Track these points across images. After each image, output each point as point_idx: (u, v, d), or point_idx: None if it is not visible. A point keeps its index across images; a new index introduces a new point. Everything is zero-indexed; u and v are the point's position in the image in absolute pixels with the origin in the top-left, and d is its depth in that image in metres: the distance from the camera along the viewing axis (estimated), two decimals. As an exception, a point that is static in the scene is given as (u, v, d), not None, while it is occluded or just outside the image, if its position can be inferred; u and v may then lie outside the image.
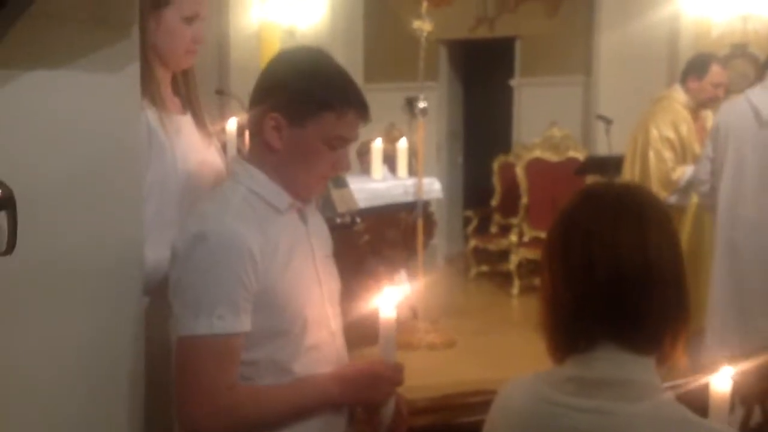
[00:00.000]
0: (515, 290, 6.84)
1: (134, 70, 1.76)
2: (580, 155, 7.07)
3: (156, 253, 1.84)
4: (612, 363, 1.31)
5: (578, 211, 1.38)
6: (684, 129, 4.68)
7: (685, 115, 4.70)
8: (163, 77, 2.08)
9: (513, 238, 7.06)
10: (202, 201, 1.78)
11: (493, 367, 4.60)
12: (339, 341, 1.86)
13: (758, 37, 6.21)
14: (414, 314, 5.24)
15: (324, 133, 1.69)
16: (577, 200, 1.40)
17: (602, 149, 5.91)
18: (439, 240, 7.13)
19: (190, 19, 2.05)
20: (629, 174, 4.80)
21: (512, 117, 7.80)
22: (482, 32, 7.82)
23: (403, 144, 5.37)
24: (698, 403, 1.42)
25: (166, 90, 2.09)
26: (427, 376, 4.00)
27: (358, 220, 4.28)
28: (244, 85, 1.82)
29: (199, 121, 2.14)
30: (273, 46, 6.23)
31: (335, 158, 1.73)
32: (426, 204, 5.42)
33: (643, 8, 6.46)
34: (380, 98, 7.44)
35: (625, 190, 1.41)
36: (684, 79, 4.74)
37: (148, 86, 1.92)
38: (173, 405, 1.71)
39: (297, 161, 1.72)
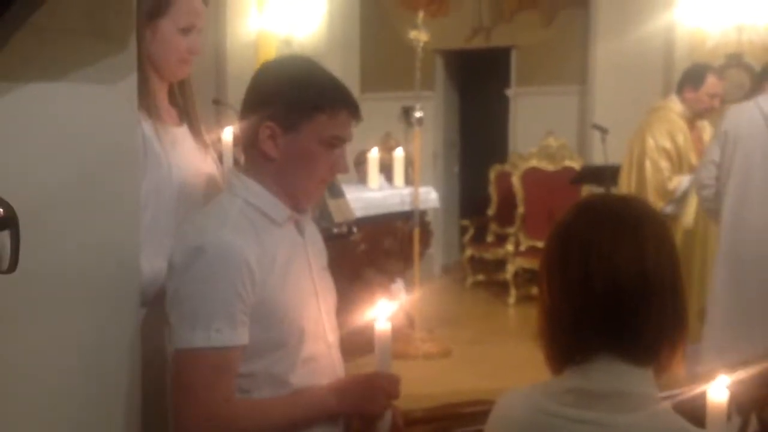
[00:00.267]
0: (512, 299, 6.85)
1: (131, 81, 1.76)
2: (576, 164, 7.09)
3: (152, 264, 1.85)
4: (610, 374, 1.31)
5: (576, 222, 1.38)
6: (680, 139, 4.69)
7: (681, 125, 4.72)
8: (160, 88, 2.08)
9: (509, 247, 7.07)
10: (199, 213, 1.79)
11: (489, 376, 4.61)
12: (335, 353, 1.86)
13: (753, 47, 6.24)
14: (410, 323, 5.25)
15: (319, 135, 1.70)
16: (575, 212, 1.40)
17: (598, 158, 5.92)
18: (435, 249, 7.14)
19: (186, 30, 2.06)
20: (625, 184, 4.81)
21: (508, 126, 7.82)
22: (478, 42, 7.85)
23: (399, 153, 5.38)
24: (695, 412, 1.43)
25: (163, 101, 2.09)
26: (423, 385, 4.00)
27: (355, 229, 4.28)
28: (241, 94, 1.82)
29: (196, 132, 2.14)
30: (270, 56, 6.24)
31: (332, 160, 1.74)
32: (422, 213, 5.43)
33: (639, 18, 6.48)
34: (377, 107, 7.49)
35: (622, 202, 1.41)
36: (680, 90, 4.75)
37: (144, 97, 1.92)
38: (170, 416, 1.71)
39: (295, 167, 1.73)
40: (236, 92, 1.82)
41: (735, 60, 6.28)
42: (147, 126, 1.95)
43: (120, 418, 1.76)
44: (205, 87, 5.73)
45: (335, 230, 4.02)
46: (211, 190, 2.06)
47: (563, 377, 1.36)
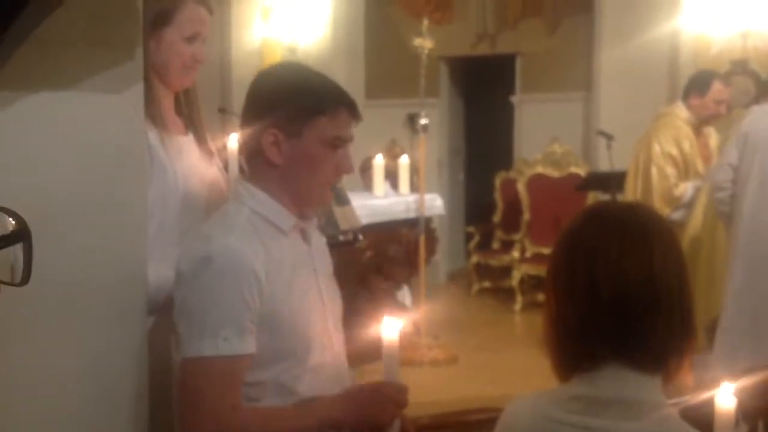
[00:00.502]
0: (518, 306, 6.84)
1: (138, 91, 1.77)
2: (581, 171, 7.08)
3: (157, 273, 1.85)
4: (617, 382, 1.31)
5: (582, 230, 1.38)
6: (686, 145, 4.68)
7: (687, 131, 4.71)
8: (165, 97, 2.08)
9: (515, 254, 7.06)
10: (206, 222, 1.79)
11: (495, 383, 4.60)
12: (342, 361, 1.86)
13: (758, 53, 6.23)
14: (416, 330, 5.24)
15: (321, 137, 1.72)
16: (582, 219, 1.40)
17: (604, 165, 5.91)
18: (441, 256, 7.14)
19: (190, 39, 2.06)
20: (631, 190, 4.80)
21: (513, 133, 7.82)
22: (483, 49, 7.85)
23: (404, 160, 5.38)
24: (703, 420, 1.42)
25: (169, 110, 2.10)
26: (429, 392, 3.99)
27: (360, 237, 4.28)
28: (246, 103, 1.83)
29: (201, 140, 2.15)
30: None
31: (336, 160, 1.75)
32: (428, 220, 5.43)
33: (643, 25, 6.48)
34: (381, 115, 7.51)
35: (629, 209, 1.41)
36: (686, 96, 4.74)
37: (149, 106, 1.93)
38: (176, 425, 1.71)
39: (301, 171, 1.74)
40: (242, 100, 1.83)
41: (740, 66, 6.28)
42: (152, 135, 1.96)
43: (127, 427, 1.76)
44: (211, 95, 5.75)
45: (341, 237, 4.02)
46: (216, 199, 2.06)
47: (570, 384, 1.36)
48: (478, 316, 6.84)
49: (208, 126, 2.20)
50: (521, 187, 7.33)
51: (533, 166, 7.40)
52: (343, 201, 4.11)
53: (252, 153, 1.77)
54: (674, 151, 4.67)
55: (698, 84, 4.70)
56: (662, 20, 6.44)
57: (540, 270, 6.60)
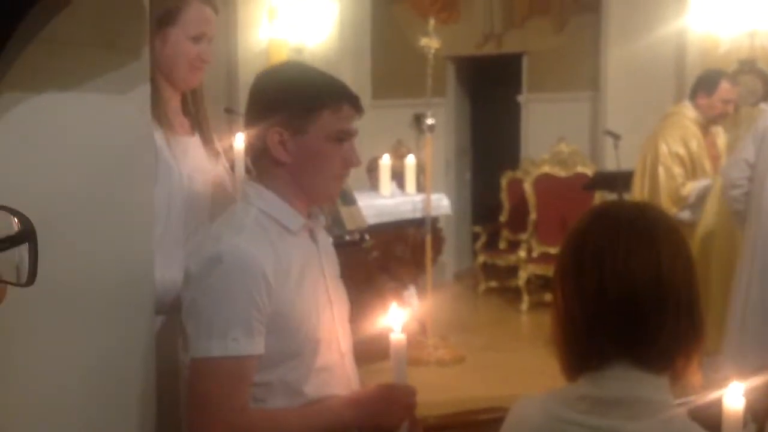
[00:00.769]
0: (524, 306, 6.83)
1: (144, 92, 1.77)
2: (588, 171, 7.07)
3: (163, 273, 1.85)
4: (625, 382, 1.31)
5: (590, 229, 1.38)
6: (694, 145, 4.67)
7: (694, 130, 4.69)
8: (171, 97, 2.09)
9: (522, 253, 7.05)
10: (215, 223, 1.80)
11: (502, 383, 4.60)
12: (349, 362, 1.86)
13: (766, 52, 6.21)
14: (423, 330, 5.24)
15: (326, 131, 1.72)
16: (589, 219, 1.40)
17: (611, 165, 5.90)
18: (447, 256, 7.14)
19: (196, 39, 2.06)
20: (638, 190, 4.79)
21: (520, 133, 7.81)
22: (489, 48, 7.84)
23: (411, 160, 5.39)
24: (711, 420, 1.42)
25: (175, 111, 2.10)
26: (436, 392, 3.99)
27: (367, 237, 4.29)
28: (253, 103, 1.83)
29: (208, 141, 2.15)
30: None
31: (343, 154, 1.76)
32: (434, 220, 5.43)
33: (650, 24, 6.47)
34: (388, 115, 7.51)
35: (637, 208, 1.41)
36: (693, 96, 4.73)
37: (155, 107, 1.93)
38: (183, 425, 1.71)
39: (309, 167, 1.74)
40: (248, 101, 1.83)
41: (748, 65, 6.26)
42: (158, 135, 1.96)
43: (134, 428, 1.76)
44: (217, 96, 5.76)
45: (347, 237, 4.03)
46: (222, 200, 2.07)
47: (578, 384, 1.36)
48: (485, 316, 6.84)
49: (214, 126, 2.21)
50: (528, 187, 7.32)
51: (540, 166, 7.39)
52: (350, 201, 4.12)
53: (258, 153, 1.78)
54: (681, 151, 4.65)
55: (706, 83, 4.69)
56: (669, 19, 6.43)
57: (547, 270, 6.59)
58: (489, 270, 7.43)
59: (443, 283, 7.37)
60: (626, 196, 5.00)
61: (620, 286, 1.30)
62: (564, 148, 7.37)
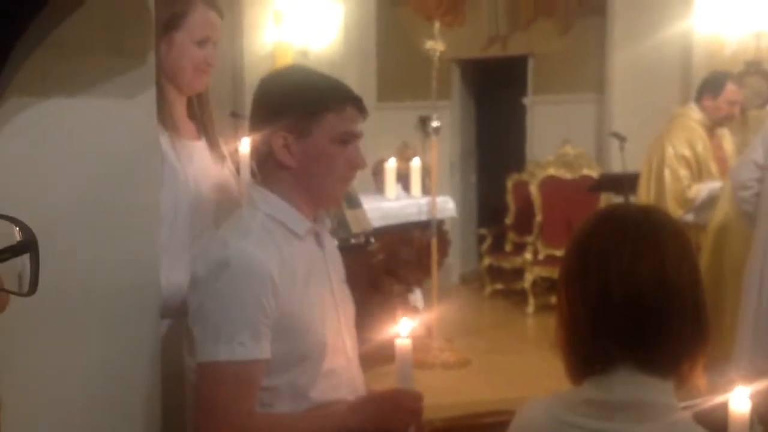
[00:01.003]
0: (530, 308, 6.82)
1: (150, 96, 1.78)
2: (594, 173, 7.05)
3: (169, 277, 1.86)
4: (630, 386, 1.31)
5: (595, 232, 1.38)
6: (700, 147, 4.65)
7: (700, 132, 4.68)
8: (176, 101, 2.09)
9: (527, 256, 7.04)
10: (221, 228, 1.80)
11: (507, 386, 4.59)
12: (355, 366, 1.86)
13: (772, 53, 6.20)
14: (428, 333, 5.24)
15: (330, 134, 1.73)
16: (594, 222, 1.40)
17: (616, 167, 5.89)
18: (453, 258, 7.13)
19: (201, 43, 2.07)
20: (644, 192, 4.77)
21: (525, 135, 7.80)
22: (495, 51, 7.84)
23: (416, 163, 5.38)
24: (716, 423, 1.41)
25: (181, 115, 2.11)
26: (441, 395, 3.98)
27: (372, 240, 4.29)
28: (258, 106, 1.84)
29: (213, 145, 2.15)
30: (287, 67, 6.25)
31: (348, 156, 1.76)
32: (440, 222, 5.43)
33: (656, 26, 6.46)
34: (393, 117, 7.51)
35: (642, 212, 1.41)
36: (699, 98, 4.72)
37: (161, 111, 1.94)
38: (189, 429, 1.71)
39: (314, 170, 1.75)
40: (254, 105, 1.83)
41: (754, 67, 6.24)
42: (163, 139, 1.97)
43: (140, 431, 1.76)
44: (223, 99, 5.77)
45: (353, 240, 4.03)
46: (227, 203, 2.07)
47: (583, 388, 1.36)
48: (491, 319, 6.83)
49: (220, 130, 2.21)
50: (533, 189, 7.31)
51: (545, 168, 7.38)
52: (355, 204, 4.12)
53: (263, 157, 1.78)
54: (687, 153, 4.64)
55: (711, 85, 4.68)
56: (675, 21, 6.41)
57: (552, 272, 6.57)
58: (495, 272, 7.42)
59: (449, 285, 7.36)
60: (632, 199, 4.99)
61: (625, 289, 1.30)
62: (569, 150, 7.36)
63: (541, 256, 7.09)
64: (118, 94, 1.67)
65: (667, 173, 4.66)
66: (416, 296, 5.24)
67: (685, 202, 4.60)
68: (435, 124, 5.40)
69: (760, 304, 3.90)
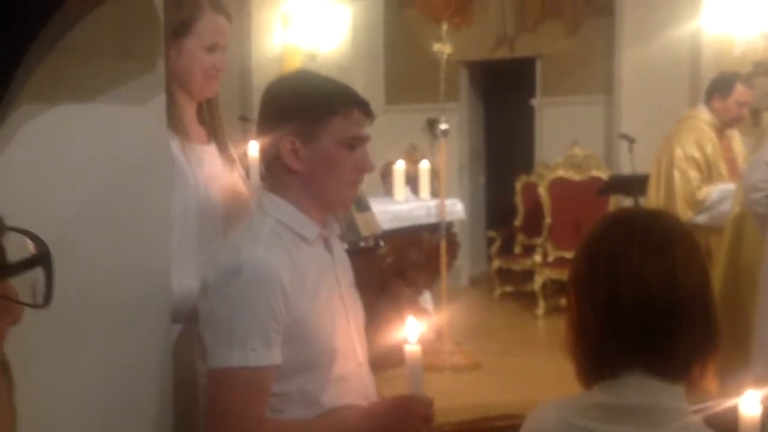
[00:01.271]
0: (540, 311, 6.80)
1: (160, 102, 1.78)
2: (603, 174, 7.04)
3: (180, 282, 1.86)
4: (639, 390, 1.31)
5: (604, 236, 1.37)
6: (709, 148, 4.64)
7: (710, 134, 4.66)
8: (186, 106, 2.10)
9: (537, 258, 7.03)
10: (232, 233, 1.81)
11: (518, 388, 4.58)
12: (365, 370, 1.86)
13: (781, 54, 6.17)
14: (438, 336, 5.23)
15: (337, 138, 1.73)
16: (603, 226, 1.39)
17: (625, 168, 5.88)
18: (462, 261, 7.12)
19: (211, 48, 2.08)
20: (654, 194, 4.76)
21: (534, 137, 7.79)
22: (502, 52, 7.83)
23: (425, 165, 5.38)
24: (727, 427, 1.41)
25: (191, 119, 2.11)
26: (451, 398, 3.98)
27: (381, 242, 4.28)
28: (266, 110, 1.84)
29: (223, 149, 2.16)
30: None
31: (355, 160, 1.77)
32: (449, 225, 5.42)
33: (664, 26, 6.44)
34: (401, 120, 7.52)
35: (652, 216, 1.41)
36: (708, 99, 4.70)
37: (171, 116, 1.94)
38: (201, 434, 1.72)
39: (322, 174, 1.75)
40: (262, 108, 1.84)
41: (763, 68, 6.21)
42: (174, 144, 1.98)
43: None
44: (232, 103, 5.78)
45: (362, 244, 4.02)
46: (237, 207, 2.08)
47: (593, 392, 1.36)
48: (501, 321, 6.82)
49: (229, 134, 2.22)
50: (542, 191, 7.29)
51: (554, 170, 7.37)
52: (364, 207, 4.12)
53: (271, 162, 1.79)
54: (697, 154, 4.62)
55: (720, 86, 4.66)
56: (683, 21, 6.39)
57: (562, 274, 6.55)
58: (504, 275, 7.41)
59: (458, 288, 7.35)
60: (641, 200, 4.98)
61: (634, 293, 1.30)
62: (578, 151, 7.34)
63: (550, 258, 7.08)
64: (128, 100, 1.67)
65: (676, 175, 4.64)
66: (426, 299, 5.23)
67: (695, 204, 4.58)
68: (443, 126, 5.39)
69: None
